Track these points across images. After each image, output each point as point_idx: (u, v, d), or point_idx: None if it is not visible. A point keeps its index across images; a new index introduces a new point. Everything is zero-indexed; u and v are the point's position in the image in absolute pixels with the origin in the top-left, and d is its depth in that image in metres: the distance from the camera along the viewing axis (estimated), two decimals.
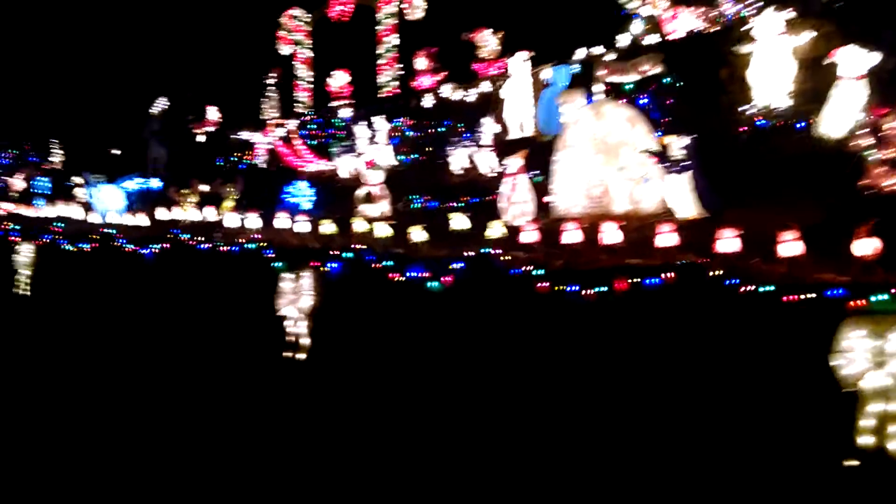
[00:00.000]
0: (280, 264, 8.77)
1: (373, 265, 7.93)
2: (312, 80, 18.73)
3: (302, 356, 8.41)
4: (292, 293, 8.47)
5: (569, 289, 6.36)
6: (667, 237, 6.27)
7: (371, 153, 12.49)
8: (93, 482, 5.92)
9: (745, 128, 9.64)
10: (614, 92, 9.48)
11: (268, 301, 8.70)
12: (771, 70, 9.95)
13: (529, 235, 7.06)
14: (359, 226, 8.67)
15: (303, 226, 9.14)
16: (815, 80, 10.24)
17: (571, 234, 6.76)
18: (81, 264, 11.78)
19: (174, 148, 15.91)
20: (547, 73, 13.29)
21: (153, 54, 22.17)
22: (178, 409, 7.58)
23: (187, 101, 19.42)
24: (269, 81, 19.10)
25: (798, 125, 9.55)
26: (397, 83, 16.99)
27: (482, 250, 7.20)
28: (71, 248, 11.93)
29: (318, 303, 8.37)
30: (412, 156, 12.39)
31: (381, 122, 12.57)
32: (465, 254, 7.22)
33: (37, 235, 12.94)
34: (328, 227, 8.88)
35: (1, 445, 6.74)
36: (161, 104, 20.95)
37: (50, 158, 21.14)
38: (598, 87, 9.81)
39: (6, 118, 20.33)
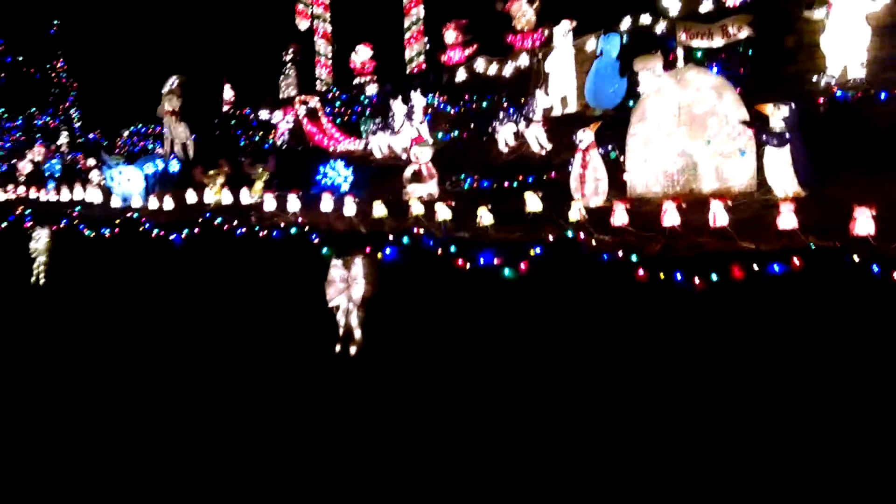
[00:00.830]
0: (328, 250, 8.04)
1: (436, 251, 7.19)
2: (332, 55, 17.94)
3: (354, 351, 7.69)
4: (343, 282, 7.74)
5: (674, 277, 5.63)
6: (786, 217, 5.52)
7: (410, 130, 11.70)
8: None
9: (823, 99, 8.84)
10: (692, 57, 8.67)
11: (315, 290, 7.97)
12: (845, 37, 9.20)
13: (619, 216, 6.31)
14: (416, 208, 7.91)
15: (350, 208, 8.37)
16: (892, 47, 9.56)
17: (670, 215, 6.01)
18: (103, 251, 11.05)
19: (193, 127, 15.05)
20: (593, 43, 12.55)
21: (166, 30, 21.28)
22: (215, 411, 6.93)
23: (204, 78, 18.60)
24: (286, 58, 18.31)
25: (881, 95, 8.83)
26: (423, 58, 16.22)
27: (566, 233, 6.44)
28: (91, 234, 11.17)
29: (373, 292, 7.64)
30: (452, 133, 11.59)
31: (418, 98, 11.77)
32: (547, 238, 6.48)
33: (53, 221, 12.19)
34: (379, 209, 8.12)
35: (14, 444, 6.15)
36: (174, 82, 20.19)
37: (59, 140, 20.40)
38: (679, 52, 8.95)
39: (16, 97, 19.52)
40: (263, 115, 17.03)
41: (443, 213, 7.50)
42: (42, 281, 11.91)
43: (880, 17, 9.34)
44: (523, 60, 13.45)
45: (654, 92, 7.57)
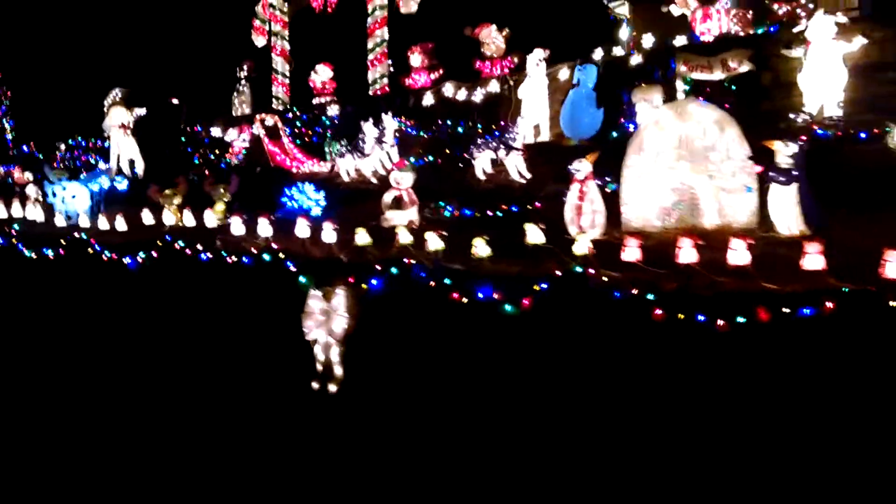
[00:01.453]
0: (305, 279, 7.48)
1: (428, 283, 6.73)
2: (290, 74, 17.38)
3: (334, 388, 7.14)
4: (322, 314, 7.19)
5: (695, 318, 5.34)
6: (812, 259, 5.31)
7: (379, 153, 11.26)
8: None
9: (805, 137, 8.83)
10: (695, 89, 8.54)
11: (291, 322, 7.40)
12: (823, 76, 9.29)
13: (631, 252, 6.01)
14: (403, 236, 7.44)
15: (329, 234, 7.84)
16: (872, 88, 9.70)
17: (687, 252, 5.73)
18: (45, 274, 10.14)
19: (142, 142, 14.22)
20: (565, 72, 12.44)
21: (112, 39, 20.28)
22: (179, 457, 6.27)
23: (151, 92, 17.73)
24: (241, 75, 17.65)
25: (861, 135, 8.91)
26: (387, 80, 15.84)
27: (574, 268, 6.10)
28: (31, 255, 10.25)
29: (355, 326, 7.12)
30: (425, 158, 11.20)
31: (389, 121, 11.36)
32: (553, 272, 6.12)
33: None
34: (362, 236, 7.62)
35: None
36: (117, 94, 19.23)
37: None
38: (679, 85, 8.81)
39: None
40: (216, 132, 16.30)
41: (434, 242, 7.07)
42: None
43: (857, 57, 9.49)
44: (494, 87, 13.25)
45: (652, 123, 7.35)
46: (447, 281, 6.64)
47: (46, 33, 20.12)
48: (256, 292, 7.91)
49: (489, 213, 8.86)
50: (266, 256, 7.91)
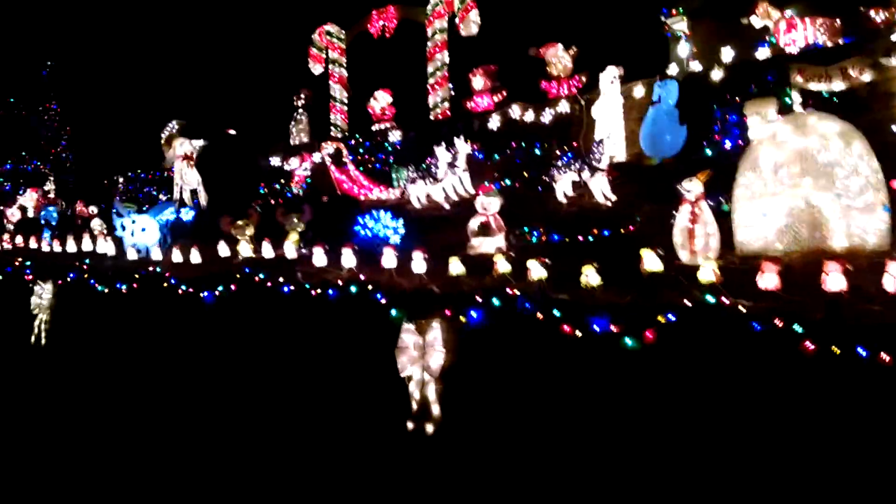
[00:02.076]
0: (397, 312, 7.08)
1: (534, 315, 6.27)
2: (347, 101, 17.21)
3: (431, 429, 6.67)
4: (417, 349, 6.77)
5: (856, 351, 4.78)
6: None
7: (452, 179, 10.90)
8: None
9: None
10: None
11: (381, 358, 7.00)
12: None
13: (769, 279, 5.47)
14: (501, 265, 7.00)
15: (419, 265, 7.44)
16: None
17: (835, 279, 5.19)
18: (117, 308, 9.93)
19: (205, 174, 14.09)
20: (640, 89, 12.00)
21: (169, 71, 20.41)
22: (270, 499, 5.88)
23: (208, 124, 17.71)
24: (298, 103, 17.53)
25: None
26: (447, 104, 15.54)
27: (705, 297, 5.58)
28: (103, 290, 10.06)
29: (453, 361, 6.67)
30: (500, 182, 10.78)
31: (462, 145, 11.00)
32: (678, 301, 5.61)
33: (56, 274, 11.05)
34: (455, 265, 7.20)
35: None
36: (174, 126, 19.29)
37: (47, 186, 19.24)
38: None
39: (5, 141, 18.35)
40: (275, 161, 16.17)
41: (537, 271, 6.61)
42: (44, 340, 10.72)
43: None
44: (563, 107, 12.84)
45: (767, 138, 6.83)
46: (556, 313, 6.16)
47: (103, 67, 20.29)
48: (343, 326, 7.53)
49: (580, 238, 8.38)
50: (353, 288, 7.52)
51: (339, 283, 7.70)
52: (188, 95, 19.61)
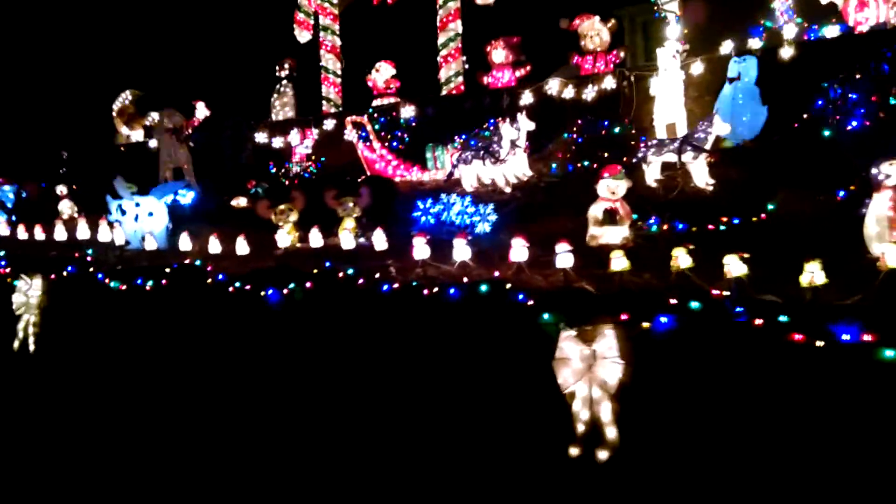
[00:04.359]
0: (551, 317, 5.90)
1: (750, 321, 5.24)
2: (340, 73, 15.63)
3: (605, 455, 5.57)
4: (583, 361, 5.63)
5: None
6: None
7: (519, 159, 9.73)
8: None
9: None
10: None
11: (528, 372, 5.84)
12: None
13: None
14: (682, 259, 5.92)
15: (565, 259, 6.25)
16: None
17: None
18: (135, 309, 8.24)
19: (199, 149, 12.29)
20: (699, 66, 11.20)
21: (123, 31, 18.02)
22: None
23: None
24: (281, 74, 15.79)
25: None
26: (461, 79, 14.25)
27: None
28: (118, 286, 8.32)
29: (630, 377, 5.58)
30: (577, 165, 9.68)
31: (524, 121, 9.82)
32: None
33: (41, 267, 9.17)
34: (619, 261, 6.07)
35: None
36: (126, 97, 17.17)
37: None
38: None
39: None
40: (261, 138, 14.43)
41: (737, 267, 5.57)
42: (32, 346, 8.86)
43: None
44: (608, 83, 11.85)
45: None
46: (783, 318, 5.15)
47: (42, 22, 17.76)
48: (472, 334, 6.26)
49: (709, 226, 7.42)
50: (483, 287, 6.25)
51: (464, 280, 6.39)
52: (145, 60, 17.40)
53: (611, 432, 5.60)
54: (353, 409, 6.22)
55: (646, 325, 5.59)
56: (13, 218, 11.77)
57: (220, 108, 15.69)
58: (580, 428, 5.66)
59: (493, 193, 9.63)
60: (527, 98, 12.28)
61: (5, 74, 17.42)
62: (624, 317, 5.66)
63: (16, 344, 8.95)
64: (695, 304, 5.45)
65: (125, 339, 8.12)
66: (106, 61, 17.57)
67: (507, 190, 9.68)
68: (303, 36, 15.66)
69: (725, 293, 5.50)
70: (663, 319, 5.52)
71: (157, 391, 7.53)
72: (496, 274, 6.48)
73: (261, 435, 6.30)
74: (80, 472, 6.58)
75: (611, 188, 7.10)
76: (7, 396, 8.57)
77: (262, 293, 7.27)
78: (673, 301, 5.47)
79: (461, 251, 6.81)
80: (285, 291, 7.13)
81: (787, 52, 10.46)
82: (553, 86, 12.17)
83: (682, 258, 5.85)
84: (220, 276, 7.54)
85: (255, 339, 7.13)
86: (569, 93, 12.06)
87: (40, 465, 6.85)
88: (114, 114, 17.46)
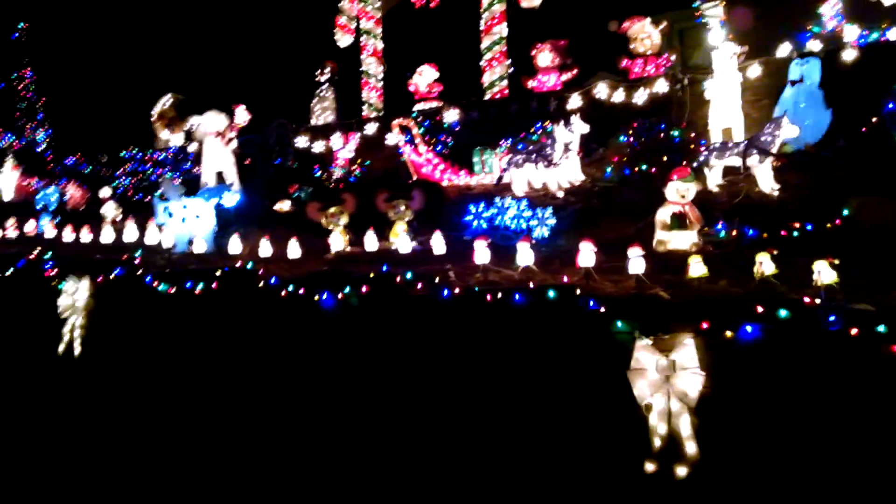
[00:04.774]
0: (624, 325, 5.60)
1: (846, 330, 4.91)
2: (381, 77, 15.47)
3: (684, 472, 5.26)
4: (661, 371, 5.35)
5: None
6: None
7: (573, 163, 9.46)
8: None
9: None
10: None
11: (598, 383, 5.57)
12: None
13: None
14: (766, 265, 5.60)
15: (637, 264, 5.96)
16: None
17: None
18: (183, 313, 8.08)
19: (244, 152, 12.18)
20: (756, 69, 10.88)
21: (165, 36, 18.04)
22: None
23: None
24: (321, 78, 15.68)
25: None
26: (506, 82, 14.02)
27: None
28: (165, 289, 8.17)
29: (711, 388, 5.28)
30: (634, 168, 9.37)
31: (578, 124, 9.54)
32: None
33: (89, 269, 9.07)
34: (697, 266, 5.76)
35: None
36: (168, 101, 17.16)
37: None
38: None
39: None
40: (301, 142, 14.31)
41: (827, 274, 5.24)
42: (78, 349, 8.74)
43: None
44: (660, 87, 11.55)
45: None
46: (881, 328, 4.82)
47: (87, 29, 17.83)
48: (539, 341, 5.98)
49: (782, 233, 7.07)
50: (551, 293, 5.98)
51: (531, 285, 6.12)
52: (185, 65, 17.40)
53: (690, 447, 5.31)
54: (416, 420, 5.98)
55: (729, 333, 5.28)
56: (57, 220, 11.71)
57: (260, 112, 15.63)
58: (657, 442, 5.38)
59: (546, 198, 9.34)
60: (575, 101, 12.04)
61: (49, 79, 17.50)
62: (705, 325, 5.35)
63: (61, 347, 8.82)
64: (783, 313, 5.12)
65: (173, 344, 7.96)
66: (146, 65, 17.59)
67: (560, 194, 9.40)
68: (344, 40, 15.56)
69: (816, 300, 5.13)
70: (749, 328, 5.21)
71: (204, 397, 7.37)
72: (565, 279, 6.16)
73: (320, 447, 6.08)
74: (122, 479, 6.43)
75: (680, 191, 6.79)
76: (50, 400, 8.47)
77: (316, 297, 7.04)
78: (760, 309, 5.13)
79: (525, 256, 6.53)
80: (340, 296, 6.89)
81: (850, 55, 10.12)
82: (601, 89, 11.90)
83: (766, 264, 5.53)
84: (273, 280, 7.33)
85: (308, 345, 6.93)
86: (618, 96, 11.80)
87: (80, 471, 6.73)
88: (153, 118, 17.47)
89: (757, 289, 5.64)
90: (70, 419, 8.14)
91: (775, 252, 5.87)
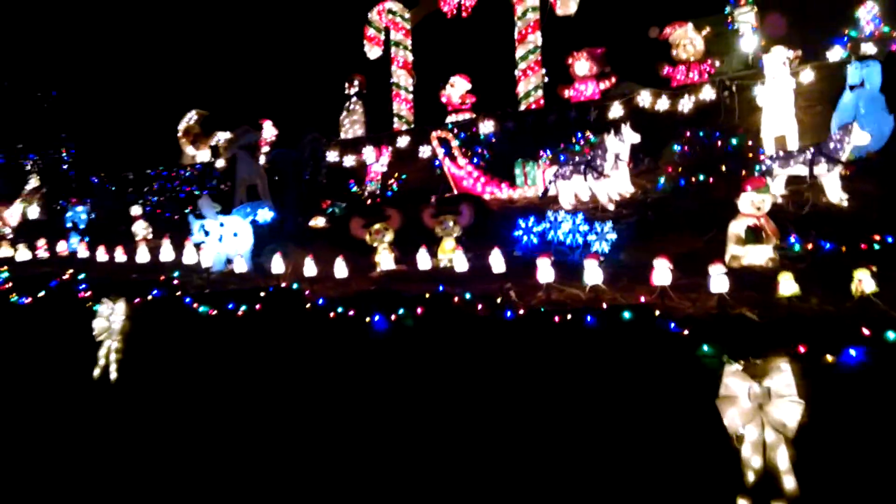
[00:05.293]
0: (709, 349, 5.19)
1: None
2: (412, 89, 15.17)
3: None
4: (753, 399, 4.93)
5: None
6: None
7: (623, 174, 9.08)
8: None
9: None
10: None
11: (691, 411, 5.14)
12: None
13: None
14: (867, 283, 5.18)
15: (719, 282, 5.55)
16: None
17: None
18: (224, 335, 7.73)
19: (276, 167, 11.88)
20: (809, 74, 10.49)
21: (189, 51, 17.86)
22: None
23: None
24: (350, 91, 15.39)
25: None
26: (541, 92, 13.67)
27: None
28: (207, 312, 7.83)
29: (810, 418, 4.84)
30: (692, 179, 8.96)
31: (629, 134, 9.15)
32: None
33: (124, 291, 8.75)
34: (788, 284, 5.34)
35: None
36: (192, 117, 16.93)
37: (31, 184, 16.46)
38: None
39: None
40: (332, 156, 14.01)
41: None
42: (114, 374, 8.40)
43: None
44: (707, 94, 11.17)
45: None
46: None
47: (110, 47, 17.67)
48: (613, 366, 5.58)
49: (862, 246, 6.64)
50: (626, 314, 5.57)
51: (603, 306, 5.72)
52: (211, 81, 17.18)
53: (788, 482, 4.88)
54: (482, 452, 5.57)
55: (830, 358, 4.86)
56: (86, 238, 11.43)
57: (287, 127, 15.37)
58: (750, 477, 4.96)
59: (596, 211, 8.94)
60: (616, 111, 11.67)
61: (76, 96, 17.34)
62: (802, 349, 4.93)
63: (96, 372, 8.49)
64: (892, 335, 4.69)
65: (214, 369, 7.61)
66: (172, 81, 17.39)
67: (611, 207, 8.99)
68: (373, 52, 15.28)
69: None
70: (853, 352, 4.79)
71: (250, 427, 6.99)
72: (642, 300, 5.76)
73: (382, 483, 5.69)
74: None
75: (755, 203, 6.38)
76: (85, 427, 8.14)
77: (367, 319, 6.67)
78: (866, 331, 4.70)
79: (593, 273, 6.13)
80: (393, 317, 6.52)
81: None
82: (644, 97, 11.53)
83: (866, 281, 5.10)
84: (320, 301, 6.97)
85: (362, 370, 6.55)
86: (662, 104, 11.43)
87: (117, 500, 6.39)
88: (179, 134, 17.26)
89: (855, 308, 5.21)
90: (106, 446, 7.79)
91: (874, 269, 5.44)
